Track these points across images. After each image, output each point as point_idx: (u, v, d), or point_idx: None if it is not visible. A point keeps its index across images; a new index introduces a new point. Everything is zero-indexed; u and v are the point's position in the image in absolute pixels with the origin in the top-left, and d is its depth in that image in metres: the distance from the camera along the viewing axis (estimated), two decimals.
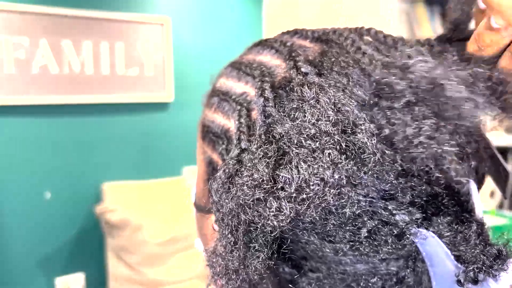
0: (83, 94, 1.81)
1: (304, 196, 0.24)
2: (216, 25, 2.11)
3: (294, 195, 0.24)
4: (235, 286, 0.27)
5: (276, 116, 0.26)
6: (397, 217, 0.25)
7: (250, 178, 0.24)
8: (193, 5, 2.07)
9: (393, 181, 0.25)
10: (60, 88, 1.77)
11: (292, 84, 0.27)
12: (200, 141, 0.36)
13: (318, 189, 0.23)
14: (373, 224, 0.25)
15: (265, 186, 0.24)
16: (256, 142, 0.26)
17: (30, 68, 1.70)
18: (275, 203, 0.24)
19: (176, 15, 2.00)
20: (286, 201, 0.24)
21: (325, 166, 0.23)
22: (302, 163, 0.24)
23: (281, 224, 0.24)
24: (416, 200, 0.26)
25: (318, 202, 0.24)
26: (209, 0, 2.11)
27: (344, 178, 0.23)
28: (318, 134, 0.24)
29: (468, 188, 0.27)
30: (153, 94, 1.97)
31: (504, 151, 2.06)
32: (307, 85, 0.26)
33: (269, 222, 0.24)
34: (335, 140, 0.24)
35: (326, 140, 0.24)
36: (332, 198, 0.24)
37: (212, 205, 0.27)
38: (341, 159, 0.23)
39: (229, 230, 0.26)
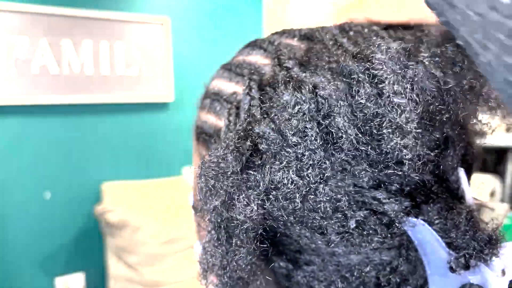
0: (83, 94, 1.81)
1: (272, 197, 0.24)
2: (216, 25, 2.11)
3: (263, 195, 0.24)
4: (224, 282, 0.27)
5: (258, 116, 0.27)
6: (386, 206, 0.25)
7: (216, 165, 0.25)
8: (193, 5, 2.07)
9: (374, 170, 0.25)
10: (60, 88, 1.77)
11: (277, 80, 0.28)
12: (195, 143, 0.36)
13: (288, 191, 0.24)
14: (362, 215, 0.25)
15: (232, 180, 0.25)
16: (233, 136, 0.26)
17: (30, 68, 1.70)
18: (243, 199, 0.25)
19: (176, 15, 2.00)
20: (254, 199, 0.24)
21: (298, 167, 0.24)
22: (274, 166, 0.24)
23: (251, 218, 0.25)
24: (404, 188, 0.26)
25: (287, 203, 0.24)
26: (209, 0, 2.11)
27: (319, 174, 0.24)
28: (295, 129, 0.24)
29: (457, 175, 0.28)
30: (153, 94, 1.97)
31: (504, 151, 2.06)
32: (289, 79, 0.26)
33: (240, 216, 0.25)
34: (313, 133, 0.24)
35: (303, 134, 0.24)
36: (304, 198, 0.24)
37: (198, 202, 0.28)
38: (318, 153, 0.24)
39: (212, 227, 0.27)
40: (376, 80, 0.24)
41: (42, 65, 1.72)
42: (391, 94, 0.23)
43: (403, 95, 0.23)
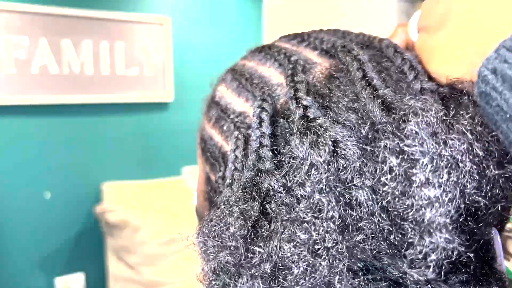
0: (83, 94, 1.81)
1: (281, 279, 0.21)
2: (216, 25, 2.11)
3: (268, 275, 0.21)
4: None
5: (267, 164, 0.24)
6: (406, 278, 0.22)
7: (219, 240, 0.22)
8: (193, 5, 2.07)
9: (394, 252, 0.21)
10: (60, 88, 1.77)
11: (291, 116, 0.25)
12: (199, 154, 0.34)
13: (298, 275, 0.21)
14: (382, 286, 0.22)
15: (235, 255, 0.22)
16: (237, 191, 0.23)
17: (30, 68, 1.70)
18: (246, 279, 0.22)
19: (176, 15, 2.00)
20: (258, 278, 0.21)
21: (310, 250, 0.20)
22: (285, 242, 0.21)
23: None
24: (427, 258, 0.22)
25: (295, 285, 0.21)
26: (209, 0, 2.11)
27: (334, 262, 0.21)
28: (309, 198, 0.21)
29: (490, 235, 0.23)
30: (153, 94, 1.97)
31: None
32: (305, 131, 0.23)
33: None
34: (330, 209, 0.21)
35: (318, 208, 0.21)
36: (316, 279, 0.21)
37: (199, 256, 0.26)
38: (334, 235, 0.20)
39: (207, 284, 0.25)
40: (405, 157, 0.20)
41: (42, 65, 1.72)
42: (421, 184, 0.19)
43: (436, 186, 0.19)
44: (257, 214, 0.22)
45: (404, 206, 0.20)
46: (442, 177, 0.19)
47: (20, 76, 1.68)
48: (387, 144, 0.20)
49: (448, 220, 0.19)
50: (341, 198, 0.21)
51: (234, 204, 0.23)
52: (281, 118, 0.26)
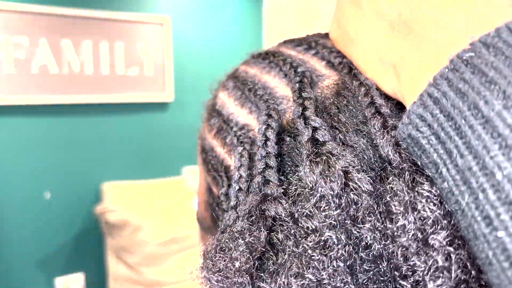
0: (83, 94, 1.81)
1: None
2: (216, 24, 2.11)
3: None
4: None
5: (274, 189, 0.22)
6: None
7: (224, 276, 0.21)
8: (193, 5, 2.07)
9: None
10: (60, 88, 1.77)
11: (298, 137, 0.24)
12: (200, 159, 0.33)
13: None
14: None
15: None
16: (242, 220, 0.22)
17: (30, 67, 1.70)
18: None
19: (176, 15, 2.00)
20: None
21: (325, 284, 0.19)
22: (293, 279, 0.20)
23: None
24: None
25: None
26: (209, 0, 2.11)
27: None
28: (317, 232, 0.20)
29: None
30: (153, 94, 1.97)
31: None
32: (316, 158, 0.21)
33: None
34: (340, 248, 0.19)
35: (327, 245, 0.19)
36: None
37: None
38: (344, 277, 0.19)
39: None
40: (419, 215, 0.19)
41: (42, 65, 1.72)
42: (438, 247, 0.18)
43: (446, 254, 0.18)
44: (263, 246, 0.21)
45: (408, 266, 0.19)
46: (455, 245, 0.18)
47: (20, 76, 1.68)
48: (401, 196, 0.19)
49: None
50: (351, 236, 0.20)
51: (239, 235, 0.22)
52: (287, 136, 0.24)
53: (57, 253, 1.82)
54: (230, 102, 0.30)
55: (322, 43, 0.29)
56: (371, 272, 0.20)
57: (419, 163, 0.19)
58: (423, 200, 0.19)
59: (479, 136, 0.16)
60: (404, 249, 0.19)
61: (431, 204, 0.18)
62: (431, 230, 0.18)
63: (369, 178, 0.20)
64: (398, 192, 0.19)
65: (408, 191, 0.19)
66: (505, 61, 0.16)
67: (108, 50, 1.85)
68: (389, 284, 0.20)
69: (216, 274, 0.22)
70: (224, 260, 0.21)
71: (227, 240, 0.22)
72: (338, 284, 0.19)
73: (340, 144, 0.22)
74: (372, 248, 0.19)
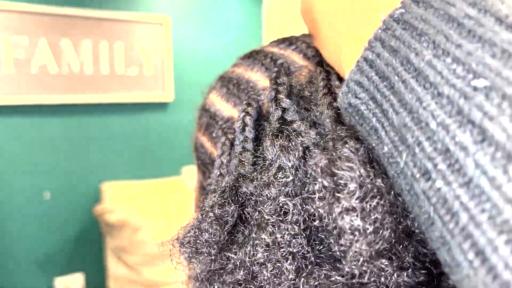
0: (82, 94, 1.81)
1: (252, 285, 0.21)
2: (216, 24, 2.11)
3: (243, 281, 0.21)
4: None
5: (247, 167, 0.24)
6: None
7: (193, 247, 0.22)
8: (193, 5, 2.07)
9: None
10: (59, 88, 1.76)
11: (270, 118, 0.25)
12: (195, 158, 0.34)
13: (272, 279, 0.20)
14: None
15: (208, 262, 0.21)
16: (215, 196, 0.23)
17: (29, 67, 1.70)
18: (218, 286, 0.22)
19: (176, 15, 2.00)
20: (230, 286, 0.21)
21: (276, 255, 0.20)
22: (259, 248, 0.20)
23: None
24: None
25: None
26: (209, 0, 2.11)
27: (301, 269, 0.20)
28: (274, 200, 0.21)
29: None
30: (152, 94, 1.97)
31: None
32: (277, 133, 0.23)
33: None
34: (295, 213, 0.20)
35: (283, 211, 0.20)
36: (283, 284, 0.20)
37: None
38: (299, 240, 0.20)
39: None
40: (334, 179, 0.19)
41: (41, 65, 1.72)
42: (345, 210, 0.19)
43: (359, 215, 0.18)
44: (233, 219, 0.22)
45: (329, 228, 0.19)
46: (369, 206, 0.18)
47: (19, 76, 1.68)
48: (317, 162, 0.20)
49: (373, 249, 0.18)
50: (305, 205, 0.20)
51: (210, 209, 0.22)
52: (264, 121, 0.26)
53: (56, 253, 1.82)
54: (217, 100, 0.31)
55: (302, 39, 0.30)
56: (326, 242, 0.20)
57: (362, 133, 0.19)
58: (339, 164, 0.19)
59: (412, 89, 0.15)
60: (323, 212, 0.19)
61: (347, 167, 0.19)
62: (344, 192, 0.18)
63: (322, 154, 0.20)
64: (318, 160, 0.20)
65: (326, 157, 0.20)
66: (434, 13, 0.16)
67: (108, 50, 1.84)
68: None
69: (186, 245, 0.23)
70: (195, 233, 0.23)
71: (199, 215, 0.23)
72: (296, 249, 0.20)
73: (311, 124, 0.23)
74: (325, 221, 0.20)
